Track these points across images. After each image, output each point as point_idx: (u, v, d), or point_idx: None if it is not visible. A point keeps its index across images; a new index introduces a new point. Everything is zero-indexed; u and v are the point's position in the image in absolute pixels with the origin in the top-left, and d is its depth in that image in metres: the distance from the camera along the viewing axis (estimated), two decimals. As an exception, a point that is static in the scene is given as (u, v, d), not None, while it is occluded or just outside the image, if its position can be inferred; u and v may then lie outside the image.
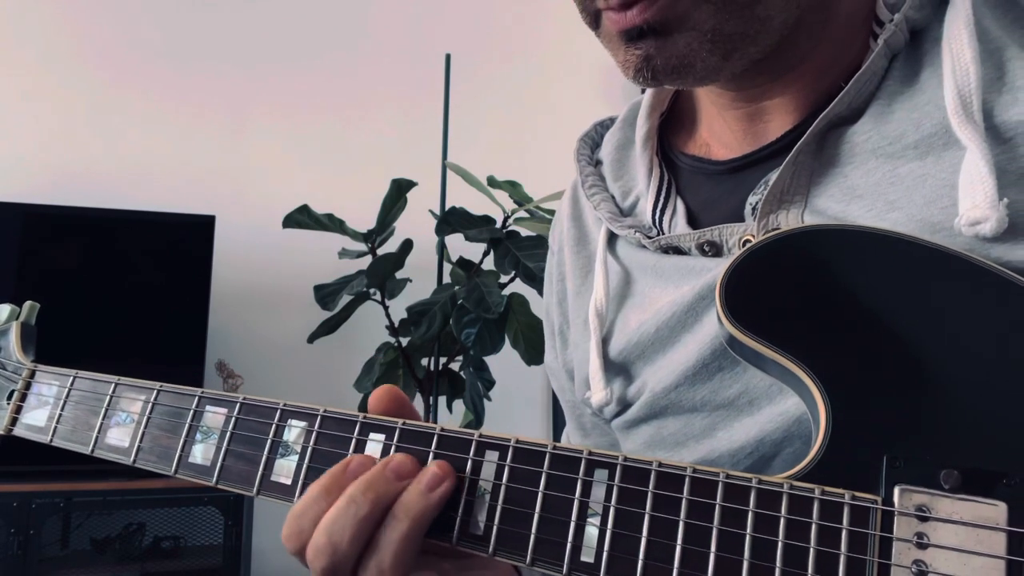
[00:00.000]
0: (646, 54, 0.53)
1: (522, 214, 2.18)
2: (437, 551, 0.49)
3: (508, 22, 3.02)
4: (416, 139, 2.75)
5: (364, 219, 2.26)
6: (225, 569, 2.20)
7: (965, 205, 0.46)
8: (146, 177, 2.64)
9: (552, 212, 1.96)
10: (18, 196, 2.43)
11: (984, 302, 0.43)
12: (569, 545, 0.44)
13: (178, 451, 0.57)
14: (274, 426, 0.54)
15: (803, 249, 0.47)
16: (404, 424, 0.51)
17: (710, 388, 0.57)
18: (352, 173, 2.78)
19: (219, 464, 0.55)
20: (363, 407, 1.74)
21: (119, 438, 0.60)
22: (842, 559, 0.39)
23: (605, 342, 0.64)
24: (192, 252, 2.48)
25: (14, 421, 0.67)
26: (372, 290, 2.18)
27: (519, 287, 2.15)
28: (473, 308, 2.01)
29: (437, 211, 2.28)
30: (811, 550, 0.40)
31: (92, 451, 0.62)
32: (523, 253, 2.04)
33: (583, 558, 0.44)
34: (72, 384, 0.65)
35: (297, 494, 0.52)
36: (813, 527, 0.40)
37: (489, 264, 2.16)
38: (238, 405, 0.56)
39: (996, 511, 0.38)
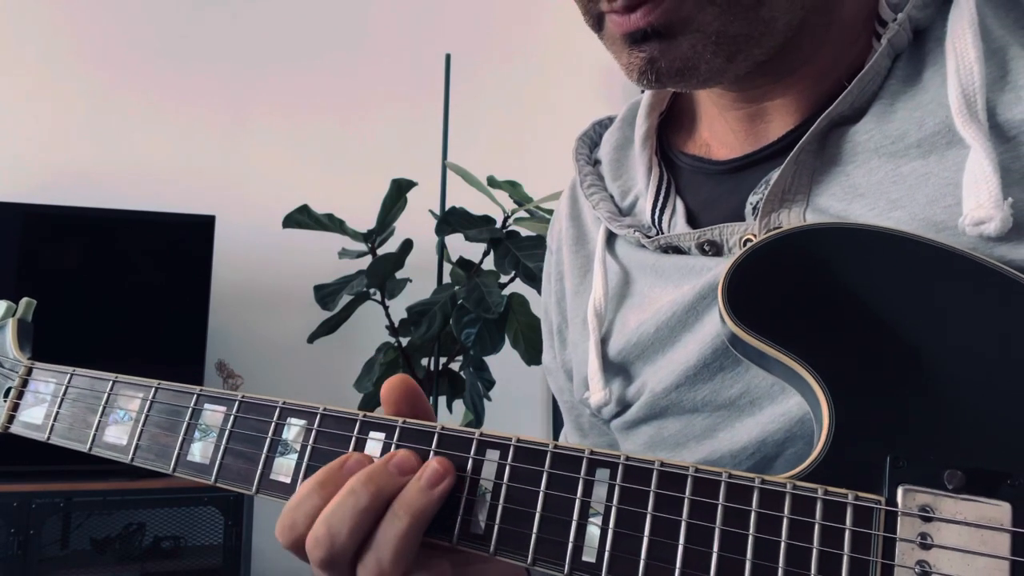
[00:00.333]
0: (650, 56, 0.53)
1: (522, 214, 2.18)
2: (438, 551, 0.49)
3: (508, 22, 3.02)
4: (416, 139, 2.75)
5: (364, 219, 2.26)
6: (225, 569, 2.19)
7: (969, 204, 0.46)
8: (146, 177, 2.64)
9: (552, 212, 1.96)
10: (18, 196, 2.43)
11: (988, 301, 0.43)
12: (570, 545, 0.44)
13: (176, 449, 0.57)
14: (273, 424, 0.54)
15: (805, 247, 0.47)
16: (404, 423, 0.51)
17: (711, 388, 0.56)
18: (352, 173, 2.77)
19: (218, 462, 0.55)
20: (363, 407, 1.73)
21: (117, 436, 0.60)
22: (845, 559, 0.39)
23: (604, 342, 0.64)
24: (192, 252, 2.48)
25: (11, 419, 0.67)
26: (372, 290, 2.18)
27: (519, 287, 2.15)
28: (473, 308, 2.01)
29: (437, 211, 2.28)
30: (814, 550, 0.40)
31: (90, 449, 0.61)
32: (523, 253, 2.04)
33: (584, 558, 0.44)
34: (69, 381, 0.65)
35: (296, 493, 0.52)
36: (816, 527, 0.40)
37: (489, 264, 2.15)
38: (237, 403, 0.56)
39: (1000, 511, 0.38)
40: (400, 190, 2.20)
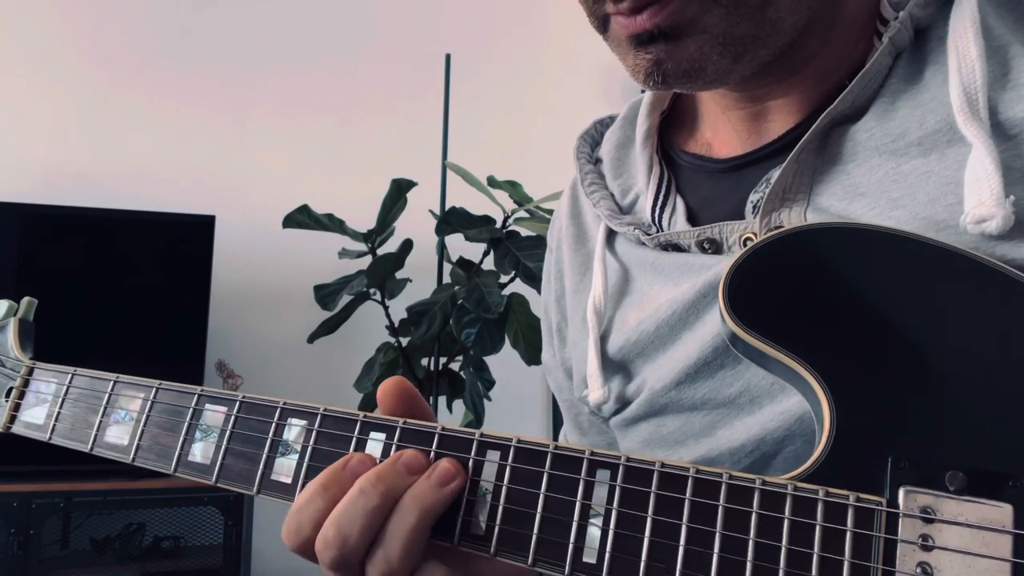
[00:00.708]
0: (657, 58, 0.52)
1: (522, 214, 2.18)
2: (438, 552, 0.49)
3: (508, 22, 3.02)
4: (416, 139, 2.75)
5: (364, 219, 2.25)
6: (225, 569, 2.19)
7: (971, 202, 0.46)
8: (146, 177, 2.64)
9: (552, 212, 1.95)
10: (18, 196, 2.43)
11: (990, 301, 0.43)
12: (571, 546, 0.44)
13: (177, 449, 0.57)
14: (274, 425, 0.54)
15: (807, 247, 0.47)
16: (405, 423, 0.51)
17: (711, 386, 0.56)
18: (352, 173, 2.77)
19: (219, 463, 0.55)
20: (363, 407, 1.73)
21: (118, 436, 0.60)
22: (846, 561, 0.39)
23: (603, 340, 0.64)
24: (192, 252, 2.48)
25: (12, 419, 0.67)
26: (372, 290, 2.18)
27: (519, 287, 2.15)
28: (473, 308, 2.01)
29: (437, 211, 2.28)
30: (815, 552, 0.40)
31: (91, 449, 0.61)
32: (523, 253, 2.04)
33: (585, 559, 0.44)
34: (71, 381, 0.65)
35: (297, 493, 0.51)
36: (817, 529, 0.40)
37: (489, 264, 2.15)
38: (238, 403, 0.56)
39: (1002, 513, 0.38)
40: (400, 190, 2.20)
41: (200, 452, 0.56)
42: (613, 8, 0.53)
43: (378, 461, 0.50)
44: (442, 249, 2.32)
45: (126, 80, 2.68)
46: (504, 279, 2.15)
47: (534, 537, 0.45)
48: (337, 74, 2.86)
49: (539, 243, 2.05)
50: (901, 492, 0.40)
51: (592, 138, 0.75)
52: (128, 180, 2.62)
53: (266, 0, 2.83)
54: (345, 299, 2.17)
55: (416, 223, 2.31)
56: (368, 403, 2.10)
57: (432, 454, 0.49)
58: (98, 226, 2.45)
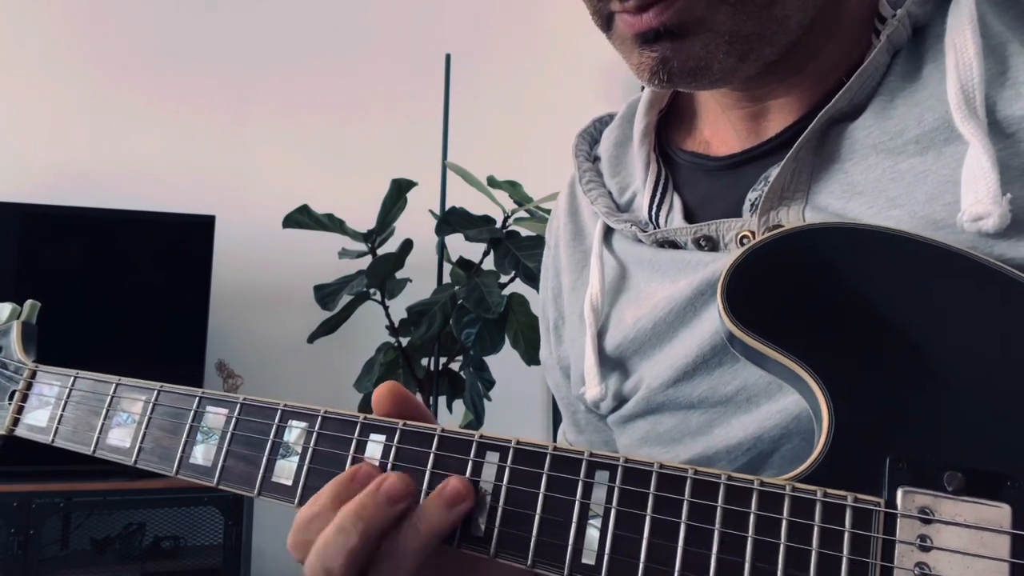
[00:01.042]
0: (662, 56, 0.52)
1: (522, 214, 2.18)
2: (437, 553, 0.49)
3: (508, 22, 3.02)
4: (416, 139, 2.75)
5: (364, 219, 2.26)
6: (225, 569, 2.19)
7: (967, 200, 0.46)
8: (146, 177, 2.64)
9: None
10: (18, 196, 2.43)
11: (988, 301, 0.43)
12: (570, 547, 0.44)
13: (179, 452, 0.57)
14: (275, 427, 0.54)
15: (805, 247, 0.47)
16: (405, 425, 0.51)
17: (708, 384, 0.56)
18: (352, 173, 2.77)
19: (220, 465, 0.55)
20: (363, 407, 1.73)
21: (120, 438, 0.60)
22: (844, 561, 0.39)
23: (600, 337, 0.64)
24: (192, 252, 2.48)
25: (16, 421, 0.67)
26: (372, 290, 2.18)
27: (519, 287, 2.15)
28: (473, 308, 2.01)
29: (437, 211, 2.28)
30: (813, 552, 0.40)
31: (93, 451, 0.61)
32: (523, 253, 2.04)
33: (584, 560, 0.44)
34: (73, 384, 0.65)
35: (298, 495, 0.52)
36: (815, 529, 0.40)
37: (489, 264, 2.15)
38: (239, 406, 0.56)
39: (1000, 513, 0.38)
40: (400, 190, 2.20)
41: (201, 454, 0.56)
42: (619, 6, 0.53)
43: (378, 463, 0.50)
44: (442, 249, 2.32)
45: (126, 80, 2.68)
46: (504, 279, 2.16)
47: (533, 538, 0.45)
48: (337, 74, 2.86)
49: (539, 243, 2.05)
50: (899, 492, 0.40)
51: (591, 136, 0.75)
52: (128, 180, 2.62)
53: (266, 0, 2.83)
54: (345, 299, 2.17)
55: (416, 223, 2.31)
56: (368, 404, 2.10)
57: (431, 456, 0.49)
58: (98, 226, 2.45)
